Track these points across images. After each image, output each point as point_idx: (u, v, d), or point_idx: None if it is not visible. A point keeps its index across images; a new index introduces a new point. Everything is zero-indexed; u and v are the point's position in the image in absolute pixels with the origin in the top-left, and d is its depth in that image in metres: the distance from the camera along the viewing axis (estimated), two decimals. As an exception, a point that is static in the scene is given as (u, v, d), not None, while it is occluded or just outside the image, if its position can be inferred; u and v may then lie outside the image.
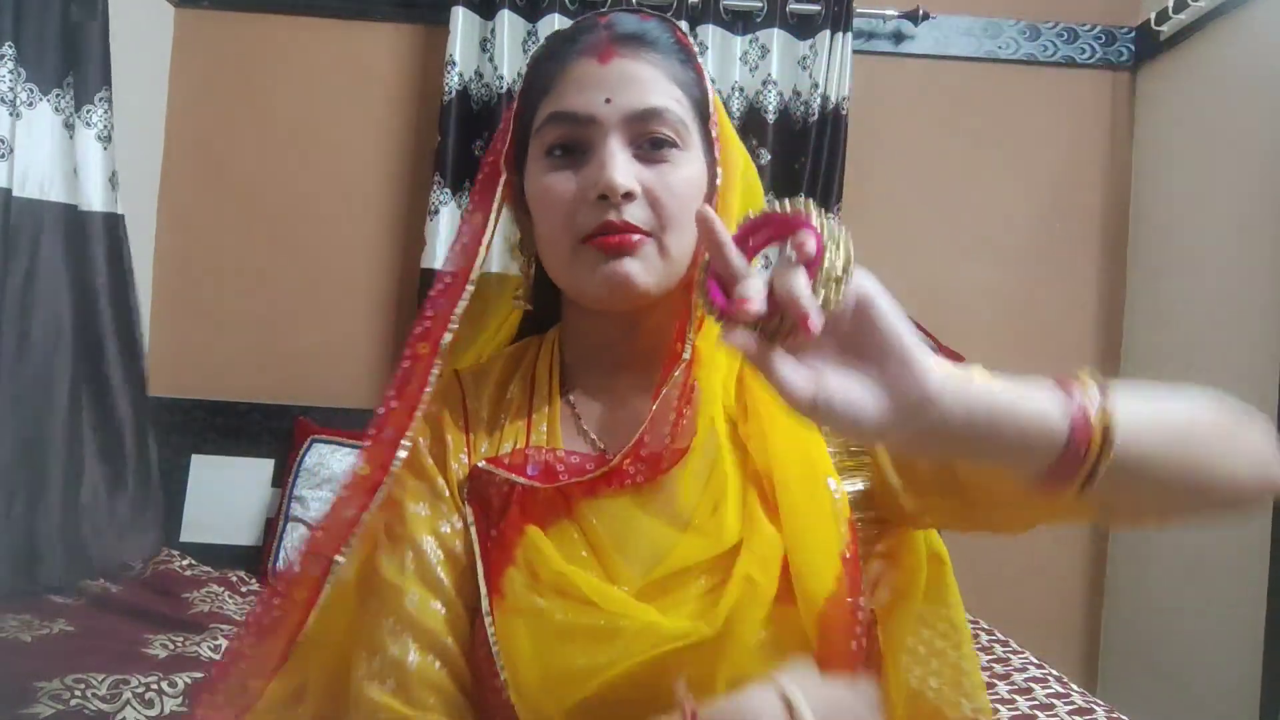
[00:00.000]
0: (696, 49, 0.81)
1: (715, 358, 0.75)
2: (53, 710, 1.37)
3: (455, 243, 0.79)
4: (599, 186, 0.71)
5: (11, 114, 1.82)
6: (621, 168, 0.72)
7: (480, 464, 0.75)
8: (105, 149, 2.02)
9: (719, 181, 0.78)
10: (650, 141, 0.74)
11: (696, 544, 0.70)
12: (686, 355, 0.73)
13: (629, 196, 0.72)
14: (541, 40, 0.84)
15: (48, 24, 1.88)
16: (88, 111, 1.98)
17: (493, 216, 0.79)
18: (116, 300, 2.05)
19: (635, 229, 0.72)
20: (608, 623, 0.67)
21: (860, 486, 0.75)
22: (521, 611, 0.70)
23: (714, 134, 0.79)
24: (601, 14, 0.79)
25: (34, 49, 1.86)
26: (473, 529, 0.75)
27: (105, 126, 2.01)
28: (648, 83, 0.74)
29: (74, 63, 1.95)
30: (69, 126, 1.95)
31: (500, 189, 0.79)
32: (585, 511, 0.73)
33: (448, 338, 0.76)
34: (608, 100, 0.73)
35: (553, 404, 0.80)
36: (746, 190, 0.80)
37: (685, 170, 0.75)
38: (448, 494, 0.77)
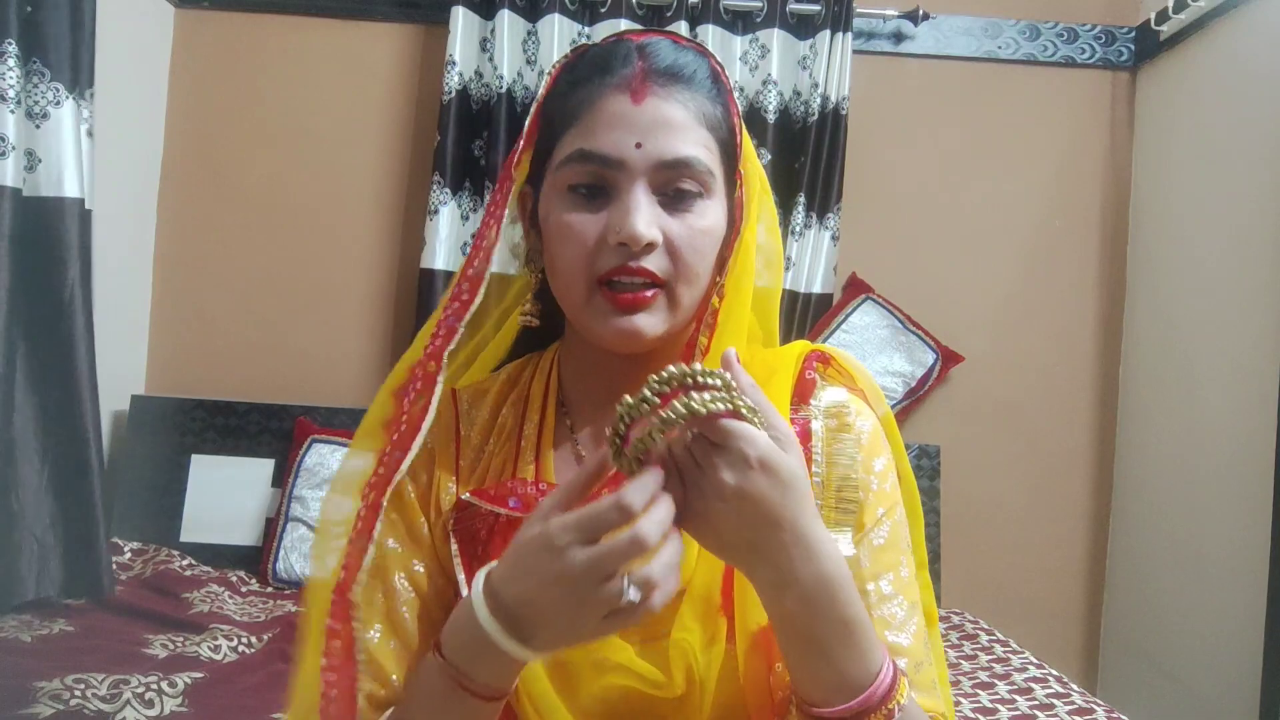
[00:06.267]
0: (729, 81, 0.81)
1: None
2: (53, 710, 1.37)
3: (471, 254, 0.78)
4: (621, 234, 0.71)
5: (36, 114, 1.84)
6: (645, 218, 0.72)
7: (465, 496, 0.77)
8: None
9: (741, 220, 0.79)
10: (675, 189, 0.74)
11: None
12: None
13: (650, 246, 0.72)
14: (568, 48, 0.82)
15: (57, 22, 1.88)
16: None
17: (503, 227, 0.78)
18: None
19: (651, 276, 0.72)
20: (583, 656, 0.70)
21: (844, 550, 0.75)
22: None
23: (740, 173, 0.79)
24: (635, 33, 0.79)
25: (53, 48, 1.86)
26: (457, 560, 0.75)
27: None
28: (679, 129, 0.74)
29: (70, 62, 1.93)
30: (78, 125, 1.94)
31: (512, 199, 0.79)
32: None
33: (451, 347, 0.76)
34: (638, 145, 0.72)
35: (545, 429, 0.81)
36: (766, 217, 0.82)
37: (707, 220, 0.75)
38: (426, 532, 0.78)
